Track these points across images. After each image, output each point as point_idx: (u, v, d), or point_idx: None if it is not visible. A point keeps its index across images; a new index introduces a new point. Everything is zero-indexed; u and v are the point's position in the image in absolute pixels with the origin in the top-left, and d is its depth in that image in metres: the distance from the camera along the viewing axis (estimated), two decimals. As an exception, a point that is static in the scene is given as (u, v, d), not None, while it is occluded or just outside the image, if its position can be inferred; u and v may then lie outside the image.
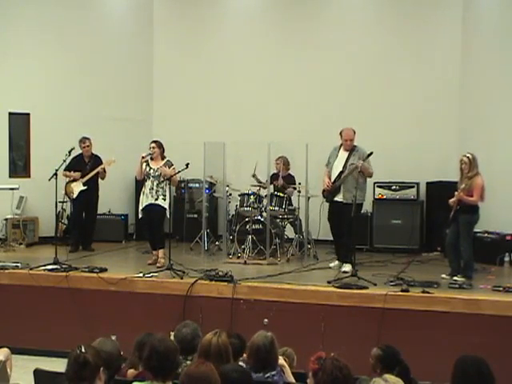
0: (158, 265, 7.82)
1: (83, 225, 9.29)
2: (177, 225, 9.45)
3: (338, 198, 7.79)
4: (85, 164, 9.10)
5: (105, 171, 9.08)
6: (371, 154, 7.54)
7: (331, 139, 8.10)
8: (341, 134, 7.86)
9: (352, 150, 7.80)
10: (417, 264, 8.41)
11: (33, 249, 9.48)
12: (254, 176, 9.03)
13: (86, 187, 9.00)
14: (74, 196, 8.94)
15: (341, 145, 7.92)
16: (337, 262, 7.97)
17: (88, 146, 9.10)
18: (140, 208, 8.09)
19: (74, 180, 9.02)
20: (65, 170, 8.94)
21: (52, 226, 8.94)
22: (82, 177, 8.98)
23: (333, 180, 7.81)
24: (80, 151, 9.12)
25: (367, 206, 9.56)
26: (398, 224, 9.49)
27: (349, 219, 7.60)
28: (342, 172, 7.77)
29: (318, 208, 8.57)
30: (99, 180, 9.20)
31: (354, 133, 7.81)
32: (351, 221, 7.62)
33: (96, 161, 9.14)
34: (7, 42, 9.88)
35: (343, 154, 7.85)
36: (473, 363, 3.34)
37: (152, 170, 7.97)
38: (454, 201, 7.10)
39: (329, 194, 7.86)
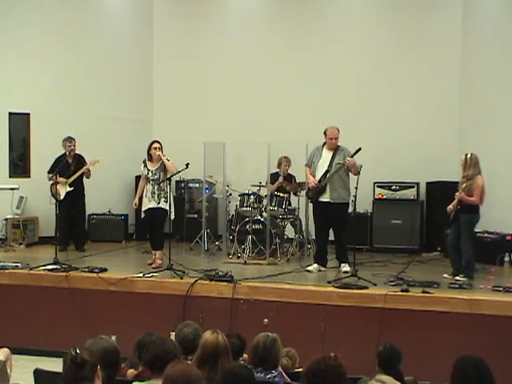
0: (153, 265, 7.76)
1: (73, 225, 9.25)
2: (177, 225, 9.43)
3: (324, 198, 7.62)
4: (68, 165, 9.01)
5: (89, 170, 9.03)
6: (359, 150, 7.39)
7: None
8: (325, 132, 7.68)
9: (336, 149, 7.65)
10: (417, 264, 8.41)
11: (33, 249, 9.47)
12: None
13: (72, 188, 8.94)
14: (61, 197, 8.87)
15: (323, 144, 7.77)
16: (315, 265, 7.75)
17: (74, 146, 9.06)
18: (142, 209, 8.08)
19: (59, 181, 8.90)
20: (49, 171, 8.92)
21: (52, 226, 8.91)
22: (68, 178, 8.90)
23: (318, 180, 7.64)
24: (65, 151, 9.05)
25: (367, 206, 9.59)
26: (397, 224, 9.48)
27: (340, 219, 7.58)
28: (327, 171, 7.60)
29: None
30: (84, 179, 9.14)
31: (339, 131, 7.66)
32: (343, 220, 7.60)
33: (79, 160, 9.07)
34: (8, 42, 9.86)
35: (327, 154, 7.69)
36: (472, 363, 3.33)
37: (150, 173, 7.92)
38: (454, 204, 7.11)
39: (314, 193, 7.69)
